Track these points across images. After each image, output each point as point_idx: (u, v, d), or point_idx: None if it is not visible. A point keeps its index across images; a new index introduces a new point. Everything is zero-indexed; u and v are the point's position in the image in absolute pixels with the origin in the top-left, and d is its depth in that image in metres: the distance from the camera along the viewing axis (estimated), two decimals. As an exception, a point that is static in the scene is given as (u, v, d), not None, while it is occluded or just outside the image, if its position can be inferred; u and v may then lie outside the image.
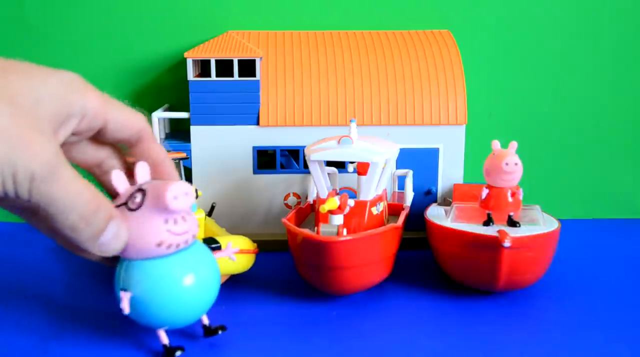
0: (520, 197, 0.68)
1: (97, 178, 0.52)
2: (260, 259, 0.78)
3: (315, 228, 0.64)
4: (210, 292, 0.53)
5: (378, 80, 0.80)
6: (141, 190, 0.49)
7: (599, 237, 0.87)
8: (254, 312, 0.64)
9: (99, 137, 0.48)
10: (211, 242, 0.63)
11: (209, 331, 0.57)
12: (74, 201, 0.42)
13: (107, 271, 0.53)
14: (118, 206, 0.49)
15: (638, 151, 0.94)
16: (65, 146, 0.47)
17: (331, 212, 0.63)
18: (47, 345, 0.57)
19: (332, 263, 0.61)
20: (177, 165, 0.77)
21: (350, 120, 0.67)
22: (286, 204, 0.81)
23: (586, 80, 0.92)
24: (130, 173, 0.51)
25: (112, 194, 0.51)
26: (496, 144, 0.68)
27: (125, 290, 0.50)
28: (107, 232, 0.46)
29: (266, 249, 0.80)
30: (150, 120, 0.80)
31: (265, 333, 0.59)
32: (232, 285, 0.70)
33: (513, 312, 0.64)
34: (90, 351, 0.56)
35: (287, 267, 0.74)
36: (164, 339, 0.55)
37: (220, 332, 0.57)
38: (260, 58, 0.79)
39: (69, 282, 0.72)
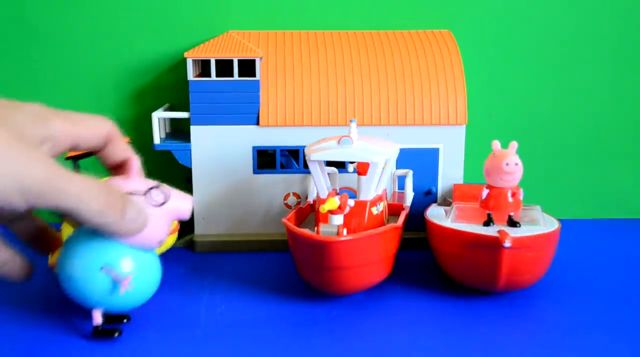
0: (521, 198, 0.68)
1: None
2: (261, 259, 0.78)
3: (315, 228, 0.64)
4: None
5: (378, 80, 0.80)
6: (162, 191, 0.54)
7: (599, 237, 0.87)
8: (254, 312, 0.64)
9: (72, 150, 0.52)
10: None
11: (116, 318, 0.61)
12: (89, 192, 0.46)
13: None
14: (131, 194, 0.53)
15: (638, 151, 0.94)
16: None
17: (331, 212, 0.63)
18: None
19: (332, 263, 0.61)
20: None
21: (350, 120, 0.67)
22: (286, 204, 0.81)
23: (586, 80, 0.92)
24: None
25: None
26: (496, 144, 0.68)
27: (110, 269, 0.54)
28: (129, 209, 0.50)
29: (266, 249, 0.80)
30: (149, 120, 0.80)
31: (266, 333, 0.59)
32: (232, 285, 0.70)
33: (513, 312, 0.64)
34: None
35: (287, 267, 0.74)
36: (99, 318, 0.58)
37: (125, 321, 0.61)
38: (260, 58, 0.79)
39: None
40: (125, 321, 0.61)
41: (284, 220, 0.66)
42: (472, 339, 0.58)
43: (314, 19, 0.90)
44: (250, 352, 0.56)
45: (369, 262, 0.64)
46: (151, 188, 0.53)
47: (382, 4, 0.90)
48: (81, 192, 0.46)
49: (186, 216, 0.55)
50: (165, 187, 0.55)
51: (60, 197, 0.45)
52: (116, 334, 0.58)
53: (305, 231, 0.62)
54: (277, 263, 0.76)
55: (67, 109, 0.51)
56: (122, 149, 0.55)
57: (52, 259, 0.70)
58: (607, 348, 0.57)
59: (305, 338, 0.59)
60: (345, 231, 0.62)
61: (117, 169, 0.55)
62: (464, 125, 0.80)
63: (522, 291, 0.68)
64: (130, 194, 0.52)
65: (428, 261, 0.76)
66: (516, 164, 0.65)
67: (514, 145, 0.67)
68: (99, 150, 0.54)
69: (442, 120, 0.79)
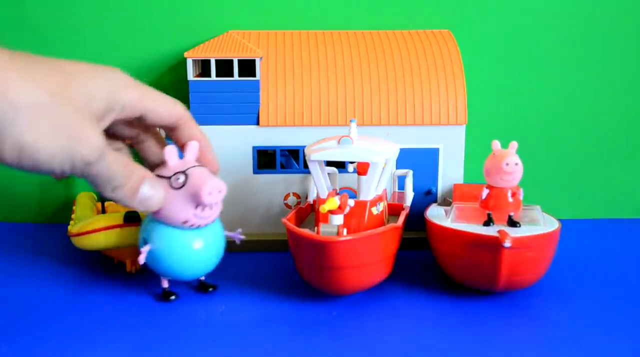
0: (521, 198, 0.68)
1: (134, 146, 0.62)
2: (261, 259, 0.78)
3: (315, 228, 0.64)
4: (211, 260, 0.65)
5: (378, 80, 0.80)
6: (185, 174, 0.59)
7: (599, 237, 0.87)
8: (254, 312, 0.64)
9: (139, 122, 0.58)
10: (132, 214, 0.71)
11: (202, 286, 0.69)
12: (114, 173, 0.52)
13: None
14: (160, 176, 0.59)
15: (638, 151, 0.94)
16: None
17: (331, 212, 0.63)
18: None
19: (332, 263, 0.61)
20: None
21: (350, 120, 0.67)
22: (286, 204, 0.81)
23: (586, 80, 0.92)
24: (161, 145, 0.62)
25: (146, 160, 0.63)
26: (496, 144, 0.68)
27: (146, 242, 0.62)
28: (143, 189, 0.55)
29: (266, 249, 0.80)
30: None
31: (266, 333, 0.59)
32: (233, 285, 0.70)
33: (513, 312, 0.64)
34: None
35: (287, 267, 0.74)
36: (166, 283, 0.67)
37: (210, 289, 0.68)
38: (260, 58, 0.79)
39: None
40: (210, 289, 0.68)
41: (284, 220, 0.66)
42: (472, 339, 0.58)
43: (314, 19, 0.90)
44: (250, 352, 0.56)
45: (369, 262, 0.64)
46: (177, 172, 0.59)
47: (382, 4, 0.90)
48: (109, 173, 0.52)
49: (202, 199, 0.58)
50: (195, 171, 0.59)
51: (92, 174, 0.51)
52: (172, 297, 0.66)
53: (305, 231, 0.62)
54: (277, 263, 0.76)
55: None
56: (189, 134, 0.61)
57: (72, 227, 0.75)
58: (607, 348, 0.57)
59: (305, 338, 0.59)
60: (345, 231, 0.62)
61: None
62: (464, 126, 0.80)
63: (522, 291, 0.68)
64: (159, 176, 0.59)
65: (428, 261, 0.76)
66: (516, 164, 0.65)
67: (514, 145, 0.67)
68: (170, 131, 0.61)
69: (442, 120, 0.79)
